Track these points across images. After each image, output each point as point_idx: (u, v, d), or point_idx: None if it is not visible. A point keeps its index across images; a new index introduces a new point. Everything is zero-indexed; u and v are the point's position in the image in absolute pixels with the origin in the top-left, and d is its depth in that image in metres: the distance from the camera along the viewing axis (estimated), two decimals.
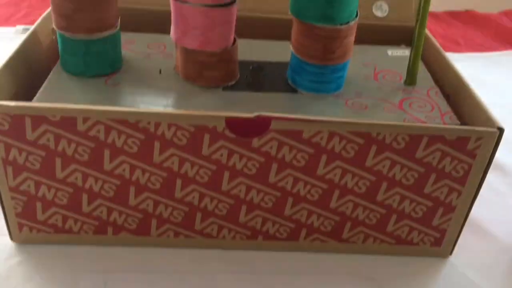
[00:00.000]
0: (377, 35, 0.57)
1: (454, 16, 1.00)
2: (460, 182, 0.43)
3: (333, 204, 0.44)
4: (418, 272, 0.46)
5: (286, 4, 0.45)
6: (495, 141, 0.40)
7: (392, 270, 0.46)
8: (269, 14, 0.57)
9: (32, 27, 0.48)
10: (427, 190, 0.43)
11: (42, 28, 0.50)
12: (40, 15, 0.51)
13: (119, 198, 0.43)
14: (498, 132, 0.40)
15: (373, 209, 0.44)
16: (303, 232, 0.46)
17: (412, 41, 0.47)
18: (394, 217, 0.45)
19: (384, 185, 0.43)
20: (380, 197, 0.43)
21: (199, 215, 0.44)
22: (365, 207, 0.44)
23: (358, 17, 0.44)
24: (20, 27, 0.79)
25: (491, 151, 0.41)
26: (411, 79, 0.48)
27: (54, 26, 0.45)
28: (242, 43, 0.47)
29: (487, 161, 0.41)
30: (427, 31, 0.53)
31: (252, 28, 0.56)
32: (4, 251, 0.44)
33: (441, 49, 0.53)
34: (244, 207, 0.44)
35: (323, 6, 0.42)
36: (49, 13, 0.50)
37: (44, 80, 0.45)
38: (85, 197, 0.43)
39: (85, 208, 0.43)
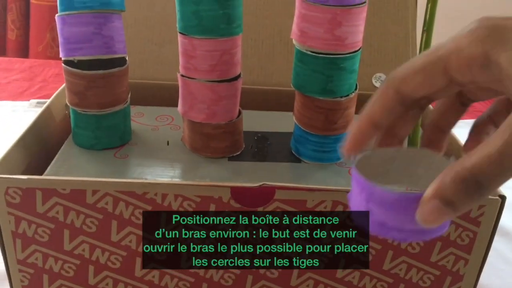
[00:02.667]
0: None
1: None
2: (466, 250, 0.42)
3: (339, 274, 0.43)
4: None
5: (288, 78, 0.47)
6: (498, 208, 0.40)
7: None
8: (273, 86, 0.59)
9: (46, 103, 0.51)
10: (433, 258, 0.43)
11: (56, 103, 0.52)
12: (52, 89, 0.54)
13: (126, 269, 0.43)
14: (500, 200, 0.40)
15: (380, 279, 0.44)
16: None
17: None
18: (402, 286, 0.44)
19: (390, 253, 0.43)
20: (386, 266, 0.43)
21: (205, 286, 0.44)
22: (372, 276, 0.44)
23: (357, 89, 0.46)
24: (34, 101, 0.82)
25: (494, 219, 0.41)
26: (412, 147, 0.49)
27: (67, 102, 0.47)
28: (246, 114, 0.49)
29: (492, 228, 0.41)
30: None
31: (256, 99, 0.58)
32: None
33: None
34: (250, 278, 0.44)
35: (323, 81, 0.44)
36: (63, 89, 0.53)
37: (56, 153, 0.47)
38: (91, 268, 0.43)
39: (91, 280, 0.43)
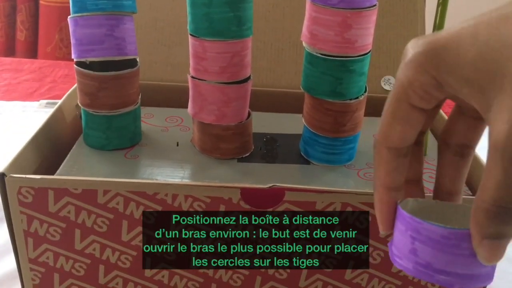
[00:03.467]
0: None
1: None
2: None
3: (347, 276, 0.44)
4: None
5: (297, 80, 0.47)
6: None
7: None
8: (282, 88, 0.60)
9: (57, 103, 0.51)
10: None
11: (67, 104, 0.52)
12: (62, 90, 0.54)
13: (135, 269, 0.43)
14: None
15: (389, 281, 0.44)
16: None
17: None
18: None
19: None
20: (395, 268, 0.43)
21: (214, 286, 0.44)
22: (380, 278, 0.44)
23: (367, 91, 0.46)
24: (43, 101, 0.82)
25: None
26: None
27: (78, 102, 0.47)
28: (256, 116, 0.50)
29: None
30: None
31: (266, 101, 0.58)
32: None
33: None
34: (259, 278, 0.44)
35: (333, 84, 0.44)
36: (74, 90, 0.53)
37: (67, 153, 0.47)
38: (101, 268, 0.43)
39: (101, 279, 0.44)
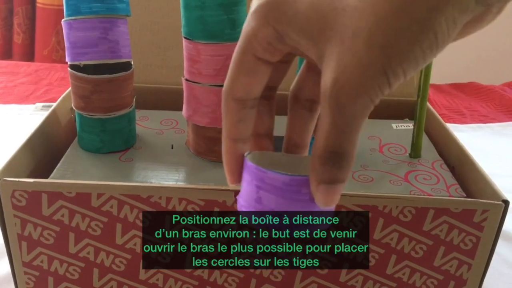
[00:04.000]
0: (381, 109, 0.59)
1: (458, 88, 1.03)
2: (469, 255, 0.42)
3: (342, 278, 0.44)
4: None
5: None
6: (501, 213, 0.40)
7: None
8: (278, 91, 0.60)
9: (52, 106, 0.51)
10: (436, 263, 0.43)
11: (61, 107, 0.52)
12: (58, 92, 0.54)
13: (130, 272, 0.43)
14: (503, 205, 0.40)
15: (383, 283, 0.44)
16: None
17: (415, 115, 0.48)
18: None
19: (393, 258, 0.43)
20: (390, 270, 0.43)
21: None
22: (375, 280, 0.44)
23: None
24: (39, 104, 0.82)
25: (497, 224, 0.41)
26: (415, 152, 0.50)
27: (72, 105, 0.47)
28: None
29: (495, 233, 0.41)
30: (428, 105, 0.55)
31: None
32: None
33: (443, 121, 0.54)
34: (253, 281, 0.44)
35: None
36: (68, 93, 0.53)
37: (62, 156, 0.47)
38: (96, 271, 0.43)
39: (96, 283, 0.44)
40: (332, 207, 0.26)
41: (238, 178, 0.28)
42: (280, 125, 0.54)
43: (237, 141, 0.28)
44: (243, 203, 0.27)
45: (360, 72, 0.22)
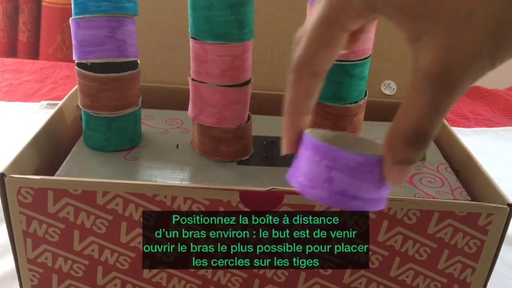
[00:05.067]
0: (386, 112, 0.59)
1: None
2: (473, 258, 0.42)
3: (346, 279, 0.44)
4: None
5: None
6: (506, 217, 0.40)
7: None
8: (282, 92, 0.60)
9: (58, 104, 0.51)
10: (440, 266, 0.43)
11: (67, 105, 0.53)
12: (63, 91, 0.55)
13: (134, 270, 0.43)
14: (508, 209, 0.40)
15: (387, 285, 0.44)
16: None
17: None
18: None
19: (397, 260, 0.43)
20: (393, 272, 0.43)
21: None
22: (378, 282, 0.44)
23: (367, 96, 0.47)
24: (44, 102, 0.83)
25: (502, 227, 0.41)
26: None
27: (79, 104, 0.47)
28: (256, 119, 0.50)
29: (499, 237, 0.41)
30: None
31: (266, 104, 0.58)
32: None
33: (448, 125, 0.54)
34: (257, 282, 0.44)
35: (333, 87, 0.44)
36: (74, 91, 0.53)
37: (67, 154, 0.47)
38: (100, 269, 0.43)
39: (100, 280, 0.44)
40: (395, 188, 0.27)
41: (296, 150, 0.29)
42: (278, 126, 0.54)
43: (304, 114, 0.29)
44: (307, 182, 0.27)
45: (470, 56, 0.22)
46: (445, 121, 0.55)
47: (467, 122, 0.90)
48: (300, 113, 0.29)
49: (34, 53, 1.54)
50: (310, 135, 0.28)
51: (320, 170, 0.26)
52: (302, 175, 0.27)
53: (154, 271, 0.43)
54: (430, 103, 0.23)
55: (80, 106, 0.47)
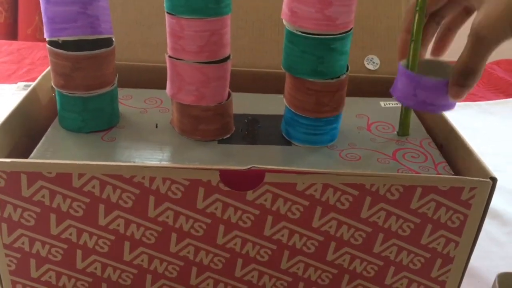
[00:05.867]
0: (369, 87, 0.58)
1: None
2: (456, 233, 0.42)
3: (329, 257, 0.43)
4: None
5: (279, 59, 0.46)
6: (489, 191, 0.40)
7: None
8: (263, 68, 0.59)
9: (32, 85, 0.50)
10: (424, 241, 0.43)
11: (42, 86, 0.51)
12: (40, 72, 0.53)
13: (114, 253, 0.42)
14: (491, 182, 0.40)
15: (370, 261, 0.44)
16: (301, 286, 0.45)
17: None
18: (392, 269, 0.44)
19: (381, 236, 0.42)
20: (377, 248, 0.43)
21: (194, 270, 0.44)
22: (362, 259, 0.43)
23: (348, 71, 0.46)
24: (21, 84, 0.80)
25: (485, 201, 0.41)
26: (403, 130, 0.49)
27: (52, 84, 0.46)
28: (236, 97, 0.49)
29: (482, 210, 0.41)
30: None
31: (246, 82, 0.57)
32: None
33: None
34: (240, 261, 0.43)
35: (314, 63, 0.43)
36: (49, 71, 0.52)
37: (42, 136, 0.46)
38: (79, 253, 0.42)
39: (79, 264, 0.43)
40: (457, 101, 0.43)
41: (402, 57, 0.46)
42: (268, 103, 0.53)
43: (408, 32, 0.45)
44: (401, 94, 0.44)
45: (495, 20, 0.37)
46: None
47: None
48: (405, 31, 0.46)
49: (12, 34, 1.50)
50: (403, 65, 0.45)
51: (409, 88, 0.43)
52: (398, 91, 0.45)
53: (135, 253, 0.42)
54: (471, 49, 0.39)
55: (54, 86, 0.46)
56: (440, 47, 0.49)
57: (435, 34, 0.48)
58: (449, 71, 0.42)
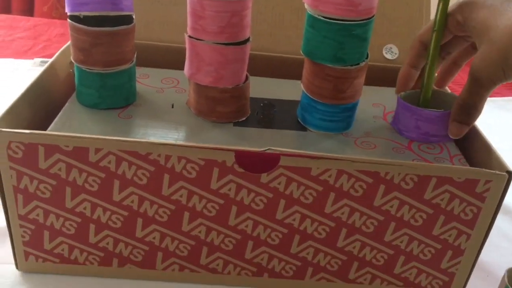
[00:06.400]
0: (387, 76, 0.57)
1: None
2: (469, 225, 0.42)
3: (340, 243, 0.43)
4: None
5: (298, 45, 0.46)
6: (504, 184, 0.40)
7: None
8: (281, 53, 0.58)
9: (50, 60, 0.50)
10: (435, 232, 0.43)
11: (60, 61, 0.51)
12: (57, 49, 0.53)
13: (126, 229, 0.43)
14: (507, 176, 0.40)
15: (380, 250, 0.44)
16: (310, 270, 0.45)
17: (422, 84, 0.47)
18: (402, 258, 0.44)
19: (392, 225, 0.42)
20: (388, 237, 0.43)
21: (205, 250, 0.44)
22: (372, 247, 0.44)
23: (368, 58, 0.45)
24: (38, 60, 0.81)
25: (500, 195, 0.40)
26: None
27: (71, 58, 0.46)
28: (254, 81, 0.48)
29: (496, 204, 0.41)
30: (436, 74, 0.53)
31: (264, 66, 0.57)
32: (9, 279, 0.44)
33: (449, 91, 0.53)
34: (250, 243, 0.44)
35: (334, 48, 0.43)
36: (67, 47, 0.52)
37: (59, 111, 0.46)
38: (92, 227, 0.43)
39: (92, 238, 0.43)
40: (457, 138, 0.45)
41: (401, 90, 0.49)
42: (285, 88, 0.53)
43: (412, 67, 0.48)
44: (404, 128, 0.46)
45: (489, 64, 0.39)
46: (446, 88, 0.54)
47: None
48: (409, 65, 0.49)
49: (28, 12, 1.50)
50: (403, 98, 0.47)
51: (411, 121, 0.45)
52: (400, 124, 0.46)
53: (147, 230, 0.43)
54: (469, 88, 0.42)
55: (73, 61, 0.46)
56: (444, 79, 0.50)
57: (439, 67, 0.50)
58: (451, 101, 0.43)
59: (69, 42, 0.48)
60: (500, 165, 0.40)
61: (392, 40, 0.59)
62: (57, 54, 0.51)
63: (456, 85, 0.90)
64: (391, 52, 0.58)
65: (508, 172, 0.40)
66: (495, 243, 0.53)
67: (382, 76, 0.57)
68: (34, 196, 0.41)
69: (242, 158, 0.40)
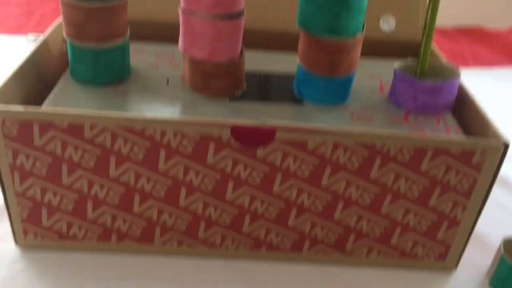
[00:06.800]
0: (384, 48, 0.57)
1: (462, 32, 1.00)
2: (465, 196, 0.42)
3: (337, 216, 0.44)
4: (422, 286, 0.46)
5: (292, 19, 0.45)
6: (500, 155, 0.40)
7: (397, 283, 0.45)
8: (276, 26, 0.58)
9: (43, 36, 0.49)
10: (432, 203, 0.43)
11: (53, 37, 0.50)
12: (51, 25, 0.52)
13: (124, 205, 0.43)
14: (503, 148, 0.40)
15: (377, 221, 0.44)
16: (307, 243, 0.45)
17: (419, 55, 0.47)
18: (398, 230, 0.44)
19: (389, 197, 0.43)
20: (384, 209, 0.43)
21: (202, 224, 0.44)
22: (369, 219, 0.44)
23: (364, 30, 0.45)
24: (31, 36, 0.80)
25: (496, 165, 0.40)
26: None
27: (64, 34, 0.45)
28: (249, 54, 0.48)
29: (492, 175, 0.41)
30: (433, 46, 0.53)
31: (259, 40, 0.56)
32: (9, 256, 0.44)
33: (446, 62, 0.53)
34: (248, 217, 0.44)
35: (329, 19, 0.42)
36: (60, 23, 0.51)
37: (53, 88, 0.46)
38: (90, 203, 0.43)
39: (90, 214, 0.43)
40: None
41: None
42: (281, 62, 0.53)
43: None
44: (401, 99, 0.46)
45: None
46: (443, 57, 0.54)
47: (465, 62, 0.88)
48: None
49: None
50: (399, 70, 0.46)
51: (408, 92, 0.45)
52: (399, 96, 0.46)
53: (145, 205, 0.43)
54: None
55: (65, 37, 0.45)
56: None
57: None
58: (447, 72, 0.45)
59: (60, 18, 0.47)
60: (496, 135, 0.40)
61: (390, 11, 0.58)
62: (49, 30, 0.51)
63: (455, 57, 0.89)
64: (388, 24, 0.58)
65: (504, 143, 0.39)
66: (491, 214, 0.53)
67: (380, 48, 0.57)
68: (31, 173, 0.41)
69: (238, 132, 0.39)
